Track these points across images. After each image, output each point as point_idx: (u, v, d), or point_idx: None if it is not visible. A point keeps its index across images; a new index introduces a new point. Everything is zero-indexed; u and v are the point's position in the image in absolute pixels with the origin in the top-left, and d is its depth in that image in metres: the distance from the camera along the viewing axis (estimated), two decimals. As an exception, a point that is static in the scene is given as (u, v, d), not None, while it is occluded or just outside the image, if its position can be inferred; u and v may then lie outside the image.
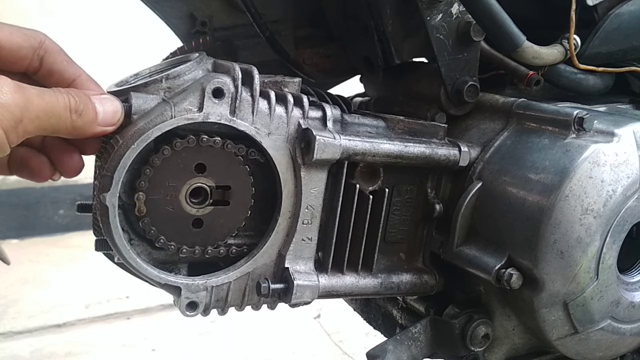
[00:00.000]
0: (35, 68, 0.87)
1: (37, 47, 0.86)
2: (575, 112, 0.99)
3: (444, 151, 1.04)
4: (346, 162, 0.98)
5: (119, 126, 0.85)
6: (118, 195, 0.85)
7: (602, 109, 1.13)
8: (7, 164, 0.91)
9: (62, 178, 1.04)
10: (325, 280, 1.00)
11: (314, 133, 0.92)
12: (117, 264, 0.97)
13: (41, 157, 0.90)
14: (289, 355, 2.80)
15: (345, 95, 1.25)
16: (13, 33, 0.83)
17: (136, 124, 0.85)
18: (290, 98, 0.95)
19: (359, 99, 1.38)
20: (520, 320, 1.06)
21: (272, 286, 0.95)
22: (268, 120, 0.92)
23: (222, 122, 0.89)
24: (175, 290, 0.93)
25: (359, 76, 1.37)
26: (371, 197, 1.01)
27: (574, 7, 1.10)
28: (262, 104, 0.92)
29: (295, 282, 0.96)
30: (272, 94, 0.93)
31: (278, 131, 0.93)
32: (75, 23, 4.06)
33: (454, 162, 1.05)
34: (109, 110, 0.85)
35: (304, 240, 0.98)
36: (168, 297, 0.96)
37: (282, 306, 1.03)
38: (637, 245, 1.06)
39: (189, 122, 0.87)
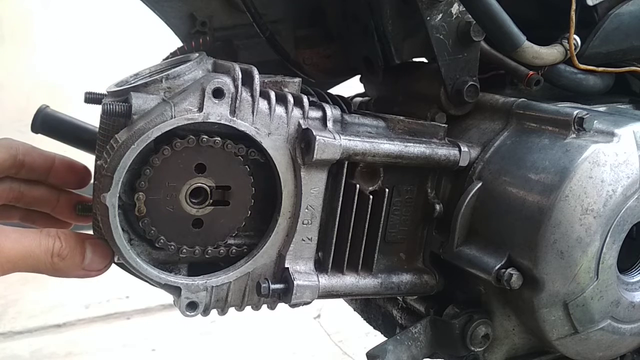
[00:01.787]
0: (18, 173, 0.98)
1: (16, 154, 0.98)
2: (575, 112, 0.99)
3: (444, 151, 1.04)
4: (346, 162, 0.98)
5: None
6: (118, 195, 0.85)
7: (602, 109, 1.13)
8: None
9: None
10: (325, 281, 1.00)
11: (314, 133, 0.92)
12: (117, 264, 0.97)
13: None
14: (289, 355, 2.80)
15: (345, 95, 1.25)
16: None
17: (136, 124, 0.85)
18: (290, 98, 0.95)
19: (359, 99, 1.38)
20: (520, 320, 1.06)
21: (272, 286, 0.95)
22: (268, 121, 0.92)
23: (222, 122, 0.89)
24: (175, 290, 0.93)
25: (359, 76, 1.37)
26: (371, 197, 1.01)
27: (574, 7, 1.10)
28: (262, 104, 0.92)
29: (295, 283, 0.96)
30: (272, 94, 0.93)
31: (278, 131, 0.93)
32: (76, 23, 4.06)
33: (454, 162, 1.05)
34: (97, 257, 0.90)
35: (304, 241, 0.98)
36: (168, 297, 0.96)
37: (282, 306, 1.03)
38: (637, 245, 1.06)
39: (189, 122, 0.87)
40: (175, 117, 0.86)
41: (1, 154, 0.97)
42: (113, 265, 1.01)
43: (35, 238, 0.86)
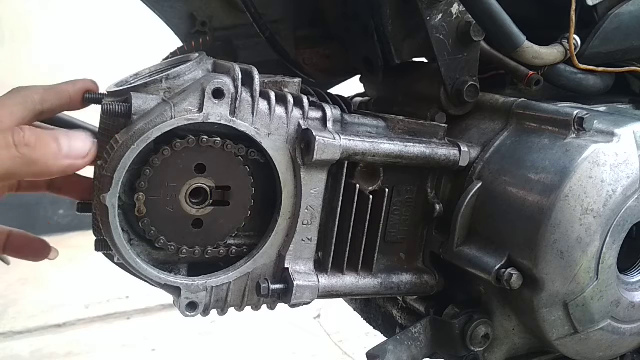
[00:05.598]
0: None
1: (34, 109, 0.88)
2: (575, 112, 0.99)
3: (444, 151, 1.04)
4: (346, 162, 0.98)
5: (86, 158, 0.86)
6: (118, 195, 0.85)
7: (602, 109, 1.13)
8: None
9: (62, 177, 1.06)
10: (325, 281, 1.00)
11: (314, 134, 0.92)
12: (117, 264, 0.97)
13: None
14: (289, 356, 2.80)
15: (345, 95, 1.25)
16: None
17: (136, 125, 0.85)
18: (290, 98, 0.95)
19: (359, 99, 1.38)
20: (520, 320, 1.06)
21: (272, 287, 0.95)
22: (268, 121, 0.92)
23: (222, 122, 0.89)
24: (175, 290, 0.93)
25: (359, 76, 1.37)
26: (371, 197, 1.01)
27: (574, 7, 1.10)
28: (262, 104, 0.92)
29: (295, 283, 0.95)
30: (272, 95, 0.93)
31: (278, 132, 0.93)
32: (76, 23, 4.06)
33: (454, 162, 1.05)
34: (77, 142, 0.84)
35: (303, 241, 0.98)
36: (168, 297, 0.96)
37: (282, 306, 1.03)
38: (637, 245, 1.06)
39: (189, 122, 0.87)
40: (175, 118, 0.86)
41: (19, 111, 0.85)
42: (113, 265, 1.01)
43: None
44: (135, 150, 0.84)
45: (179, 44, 1.29)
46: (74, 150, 0.84)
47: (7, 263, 1.25)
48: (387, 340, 1.07)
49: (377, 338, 1.23)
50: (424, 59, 1.22)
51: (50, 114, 0.93)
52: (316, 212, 0.98)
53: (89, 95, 0.98)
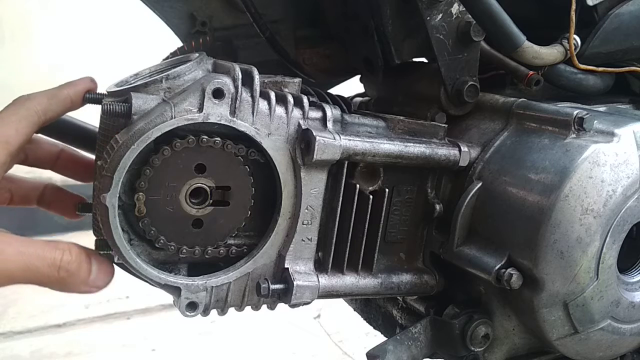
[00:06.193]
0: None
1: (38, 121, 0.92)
2: (575, 112, 0.99)
3: (444, 151, 1.04)
4: (346, 162, 0.98)
5: None
6: (118, 195, 0.85)
7: (602, 109, 1.13)
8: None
9: (62, 177, 1.07)
10: (325, 281, 1.00)
11: (314, 134, 0.92)
12: (117, 264, 0.97)
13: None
14: (289, 356, 2.80)
15: (345, 95, 1.25)
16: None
17: (136, 125, 0.85)
18: (290, 98, 0.95)
19: (359, 99, 1.38)
20: (520, 320, 1.06)
21: (272, 287, 0.95)
22: (268, 121, 0.92)
23: (222, 122, 0.89)
24: (175, 290, 0.93)
25: (359, 76, 1.37)
26: (371, 197, 1.01)
27: (574, 7, 1.10)
28: (262, 104, 0.92)
29: (295, 283, 0.95)
30: (272, 95, 0.93)
31: (278, 132, 0.93)
32: (76, 23, 4.06)
33: (454, 162, 1.05)
34: (102, 274, 0.89)
35: (303, 241, 0.98)
36: (168, 297, 0.96)
37: (282, 306, 1.03)
38: (637, 245, 1.06)
39: (189, 122, 0.87)
40: (175, 118, 0.86)
41: (24, 128, 0.91)
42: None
43: (39, 250, 0.83)
44: (135, 150, 0.84)
45: (179, 44, 1.29)
46: (97, 281, 0.88)
47: None
48: (387, 340, 1.07)
49: (377, 338, 1.23)
50: (424, 59, 1.22)
51: (52, 121, 0.96)
52: (316, 212, 0.98)
53: (89, 95, 0.98)
